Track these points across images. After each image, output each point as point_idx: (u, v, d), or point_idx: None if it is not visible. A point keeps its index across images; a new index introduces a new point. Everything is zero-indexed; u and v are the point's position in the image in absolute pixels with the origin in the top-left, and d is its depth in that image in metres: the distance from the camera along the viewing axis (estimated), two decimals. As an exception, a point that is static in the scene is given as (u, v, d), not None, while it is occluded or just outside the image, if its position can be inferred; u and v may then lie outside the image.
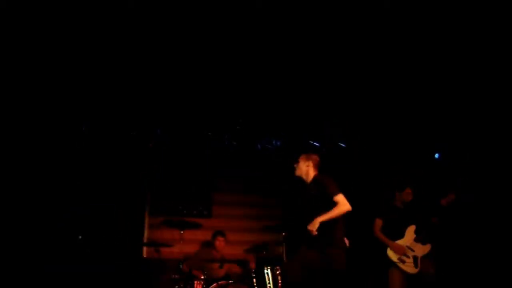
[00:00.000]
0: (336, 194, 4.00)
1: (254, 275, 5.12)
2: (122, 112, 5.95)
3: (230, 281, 5.18)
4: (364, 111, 6.05)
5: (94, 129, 6.04)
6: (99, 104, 5.76)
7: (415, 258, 4.85)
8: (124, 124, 6.16)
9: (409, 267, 4.83)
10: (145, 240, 6.35)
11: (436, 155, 6.27)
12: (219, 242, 6.03)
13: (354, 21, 4.42)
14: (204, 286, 5.12)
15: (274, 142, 6.69)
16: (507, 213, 5.35)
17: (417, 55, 4.93)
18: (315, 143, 6.65)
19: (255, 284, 5.05)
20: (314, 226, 3.89)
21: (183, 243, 5.33)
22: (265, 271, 5.00)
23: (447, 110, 5.70)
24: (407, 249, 4.88)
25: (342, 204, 3.96)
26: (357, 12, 4.28)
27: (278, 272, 4.94)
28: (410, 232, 4.98)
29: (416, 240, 4.91)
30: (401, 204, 5.20)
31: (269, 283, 4.94)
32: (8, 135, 5.42)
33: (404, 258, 4.85)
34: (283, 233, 5.27)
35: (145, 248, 6.29)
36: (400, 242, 4.93)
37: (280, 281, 4.90)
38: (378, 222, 5.07)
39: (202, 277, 5.17)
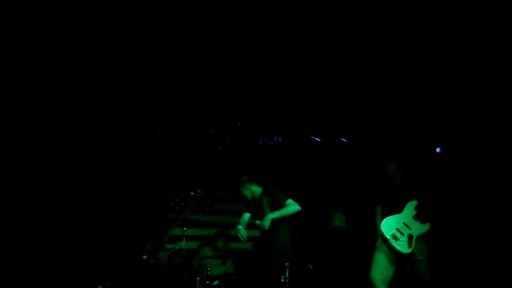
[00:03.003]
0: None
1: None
2: (122, 110, 5.96)
3: (234, 277, 5.18)
4: (366, 106, 6.06)
5: (94, 128, 6.04)
6: (99, 104, 5.77)
7: (410, 236, 4.39)
8: (125, 122, 6.16)
9: (401, 246, 4.36)
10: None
11: (438, 149, 6.26)
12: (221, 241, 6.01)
13: (354, 18, 4.44)
14: (207, 282, 5.11)
15: (275, 138, 6.69)
16: (507, 213, 5.32)
17: (417, 55, 4.95)
18: (316, 139, 6.66)
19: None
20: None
21: (185, 240, 5.32)
22: None
23: (448, 109, 5.72)
24: (403, 225, 4.46)
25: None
26: (357, 9, 4.30)
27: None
28: (410, 207, 4.55)
29: (416, 217, 4.50)
30: (395, 180, 4.75)
31: None
32: (7, 134, 5.41)
33: (398, 235, 4.41)
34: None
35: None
36: (397, 217, 4.51)
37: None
38: (378, 209, 4.67)
39: (205, 273, 5.15)
